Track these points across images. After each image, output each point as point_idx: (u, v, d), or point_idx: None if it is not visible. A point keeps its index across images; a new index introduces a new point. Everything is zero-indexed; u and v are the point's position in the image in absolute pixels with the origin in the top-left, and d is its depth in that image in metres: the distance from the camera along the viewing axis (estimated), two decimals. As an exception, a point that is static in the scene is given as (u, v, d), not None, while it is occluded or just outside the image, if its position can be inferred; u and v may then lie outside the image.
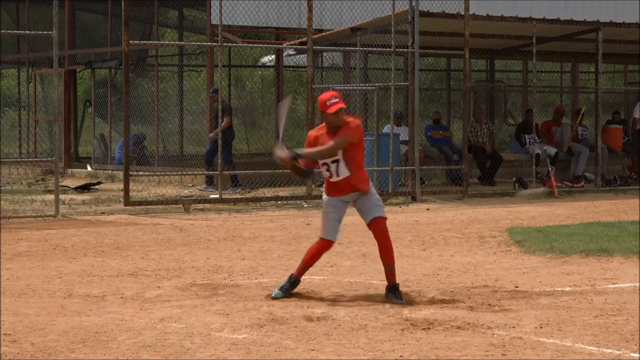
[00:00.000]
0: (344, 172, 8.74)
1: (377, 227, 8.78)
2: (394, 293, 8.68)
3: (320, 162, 8.78)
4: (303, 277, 9.02)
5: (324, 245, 8.90)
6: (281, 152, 8.71)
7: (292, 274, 8.97)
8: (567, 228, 13.80)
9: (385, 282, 8.83)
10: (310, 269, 9.06)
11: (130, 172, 16.87)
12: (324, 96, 8.73)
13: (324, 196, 8.95)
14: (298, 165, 8.78)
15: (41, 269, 10.62)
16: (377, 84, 19.90)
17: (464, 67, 19.76)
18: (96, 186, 21.29)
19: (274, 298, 8.75)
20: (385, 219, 8.83)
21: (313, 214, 16.40)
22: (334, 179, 8.78)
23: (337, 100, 8.66)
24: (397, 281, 8.82)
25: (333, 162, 8.73)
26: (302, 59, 23.08)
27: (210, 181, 20.19)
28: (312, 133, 8.94)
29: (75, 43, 24.97)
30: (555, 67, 30.86)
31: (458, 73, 26.73)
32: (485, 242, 12.75)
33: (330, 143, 8.63)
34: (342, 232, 9.12)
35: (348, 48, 20.03)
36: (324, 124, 8.87)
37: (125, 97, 16.84)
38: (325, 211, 8.86)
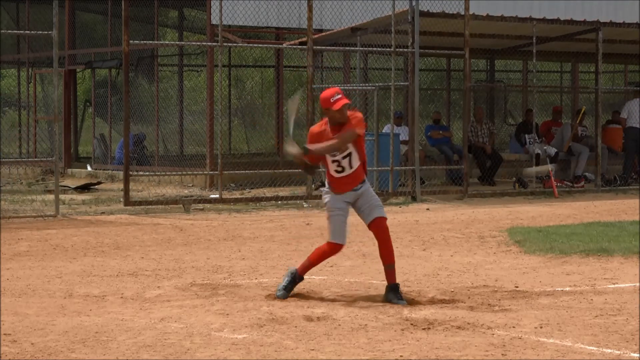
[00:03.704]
0: (357, 164, 8.70)
1: (379, 227, 8.74)
2: (394, 293, 8.65)
3: (330, 159, 8.68)
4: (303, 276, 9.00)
5: (334, 248, 8.83)
6: (292, 149, 8.65)
7: (294, 271, 8.92)
8: (567, 228, 13.79)
9: (385, 282, 8.81)
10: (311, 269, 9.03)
11: (130, 172, 16.87)
12: (326, 93, 8.64)
13: (326, 198, 8.85)
14: (306, 161, 8.74)
15: (41, 269, 10.62)
16: (377, 84, 19.90)
17: (464, 67, 19.76)
18: (96, 186, 21.29)
19: (280, 298, 8.72)
20: (386, 218, 8.83)
21: (313, 214, 16.41)
22: (347, 172, 8.67)
23: (340, 96, 8.60)
24: (398, 281, 8.81)
25: (345, 157, 8.64)
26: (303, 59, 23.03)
27: None
28: (314, 129, 8.81)
29: (75, 43, 24.97)
30: (555, 67, 30.84)
31: (458, 73, 26.72)
32: (485, 242, 12.75)
33: (342, 135, 8.52)
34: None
35: (348, 48, 20.02)
36: (325, 120, 8.77)
37: (125, 97, 16.84)
38: (332, 214, 8.76)
